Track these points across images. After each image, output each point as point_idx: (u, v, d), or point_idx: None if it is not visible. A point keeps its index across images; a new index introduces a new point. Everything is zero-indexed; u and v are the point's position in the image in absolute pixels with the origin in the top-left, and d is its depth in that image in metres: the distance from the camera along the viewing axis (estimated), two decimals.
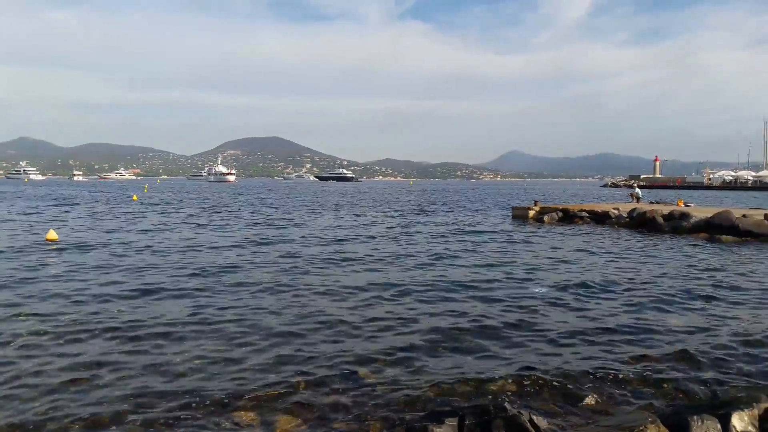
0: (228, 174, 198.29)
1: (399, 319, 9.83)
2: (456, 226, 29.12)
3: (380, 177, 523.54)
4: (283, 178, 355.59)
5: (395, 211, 42.45)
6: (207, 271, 14.47)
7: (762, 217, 24.22)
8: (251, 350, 8.02)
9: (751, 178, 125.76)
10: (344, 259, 16.82)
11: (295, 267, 15.36)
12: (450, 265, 16.10)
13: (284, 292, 12.01)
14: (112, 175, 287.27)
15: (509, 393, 6.61)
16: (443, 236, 24.25)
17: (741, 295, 12.20)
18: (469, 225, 30.02)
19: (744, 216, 24.53)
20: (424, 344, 8.34)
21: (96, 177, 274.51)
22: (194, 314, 9.98)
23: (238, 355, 7.83)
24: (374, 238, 23.33)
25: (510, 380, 6.96)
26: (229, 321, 9.56)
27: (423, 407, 6.08)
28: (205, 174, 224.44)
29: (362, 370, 7.19)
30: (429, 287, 12.63)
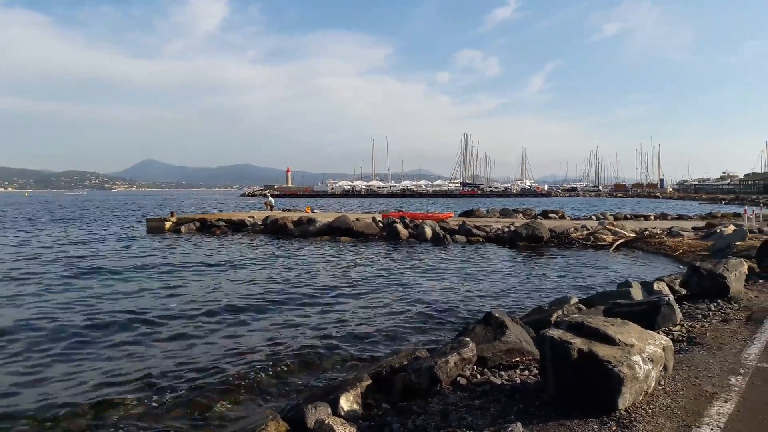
0: None
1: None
2: (76, 245, 25.98)
3: None
4: None
5: None
6: None
7: (370, 220, 28.59)
8: None
9: (364, 187, 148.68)
10: None
11: None
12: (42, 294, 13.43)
13: None
14: None
15: (133, 416, 6.09)
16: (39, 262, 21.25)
17: (349, 289, 13.99)
18: (92, 242, 27.15)
19: (357, 219, 28.59)
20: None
21: None
22: None
23: None
24: None
25: (136, 403, 6.45)
26: None
27: None
28: None
29: None
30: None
